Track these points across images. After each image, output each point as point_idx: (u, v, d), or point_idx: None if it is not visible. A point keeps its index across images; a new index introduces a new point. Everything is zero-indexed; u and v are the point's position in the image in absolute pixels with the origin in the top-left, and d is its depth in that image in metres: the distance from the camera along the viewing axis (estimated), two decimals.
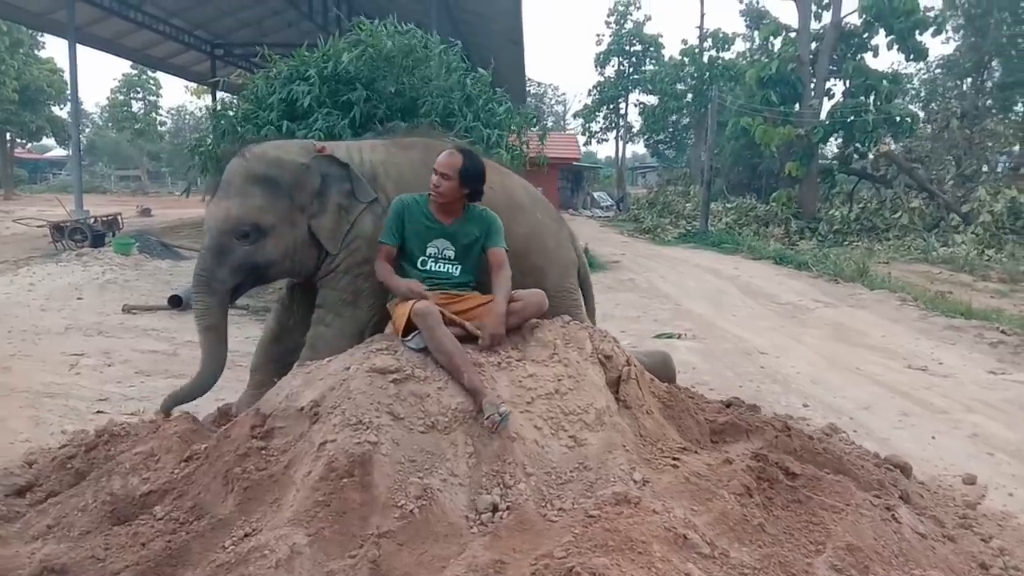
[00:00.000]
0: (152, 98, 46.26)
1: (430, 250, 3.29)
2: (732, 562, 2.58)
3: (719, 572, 2.50)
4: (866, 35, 20.70)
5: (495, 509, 2.69)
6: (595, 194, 38.61)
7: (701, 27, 32.98)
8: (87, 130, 52.59)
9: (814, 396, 5.68)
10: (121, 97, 45.45)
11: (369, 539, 2.48)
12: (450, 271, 3.31)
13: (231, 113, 9.32)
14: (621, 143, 43.18)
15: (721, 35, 31.39)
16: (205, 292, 3.51)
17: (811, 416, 5.11)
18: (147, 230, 16.39)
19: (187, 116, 52.46)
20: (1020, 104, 31.39)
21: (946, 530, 3.30)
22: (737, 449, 3.46)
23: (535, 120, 11.45)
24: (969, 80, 31.88)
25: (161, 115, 49.13)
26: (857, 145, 20.43)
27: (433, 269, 3.30)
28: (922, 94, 30.96)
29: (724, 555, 2.60)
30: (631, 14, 40.55)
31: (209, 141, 9.67)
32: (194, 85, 31.50)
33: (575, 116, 46.11)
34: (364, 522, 2.53)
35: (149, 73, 43.55)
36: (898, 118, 19.73)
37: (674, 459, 3.10)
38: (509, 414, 2.87)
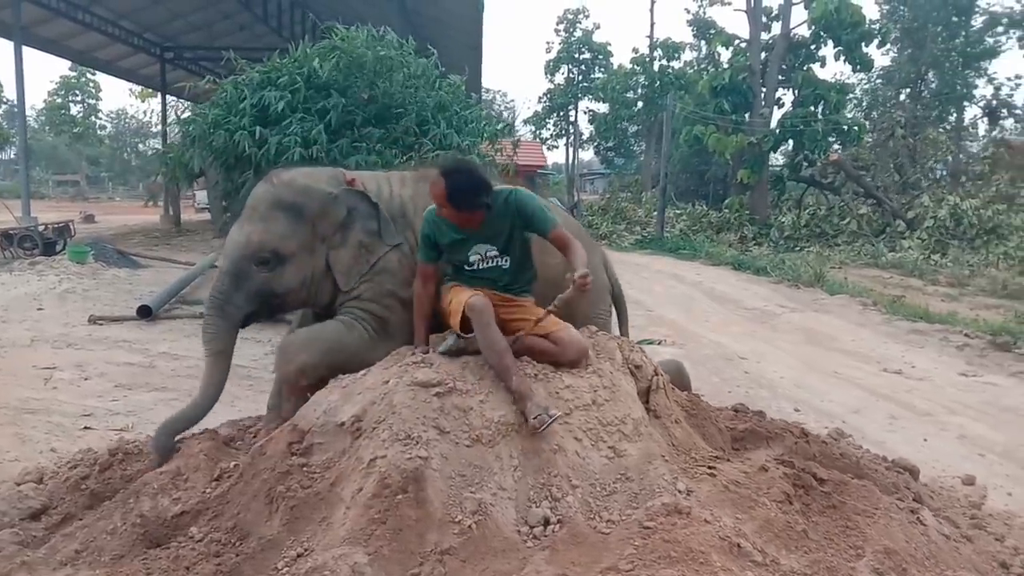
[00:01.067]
0: (92, 101, 45.01)
1: (473, 257, 3.22)
2: (783, 569, 2.62)
3: None
4: (814, 46, 21.27)
5: (546, 522, 2.69)
6: (550, 199, 38.78)
7: (651, 36, 33.47)
8: None
9: (802, 400, 5.81)
10: (59, 100, 44.10)
11: (429, 556, 2.46)
12: (499, 264, 3.23)
13: (199, 119, 9.11)
14: (572, 150, 43.51)
15: (671, 44, 31.87)
16: (219, 316, 3.40)
17: (804, 420, 5.20)
18: (100, 238, 15.91)
19: (128, 120, 51.13)
20: (953, 114, 32.76)
21: (962, 531, 3.42)
22: (759, 456, 3.52)
23: (509, 129, 11.53)
24: (907, 90, 33.06)
25: (101, 119, 47.79)
26: (807, 153, 20.98)
27: (482, 268, 3.23)
28: (864, 104, 31.92)
29: (775, 562, 2.64)
30: (580, 22, 40.94)
31: (178, 148, 9.45)
32: (139, 88, 30.64)
33: (524, 123, 46.34)
34: (421, 539, 2.50)
35: (89, 75, 42.35)
36: (845, 127, 20.33)
37: (709, 468, 3.13)
38: (558, 416, 2.87)
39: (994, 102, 33.07)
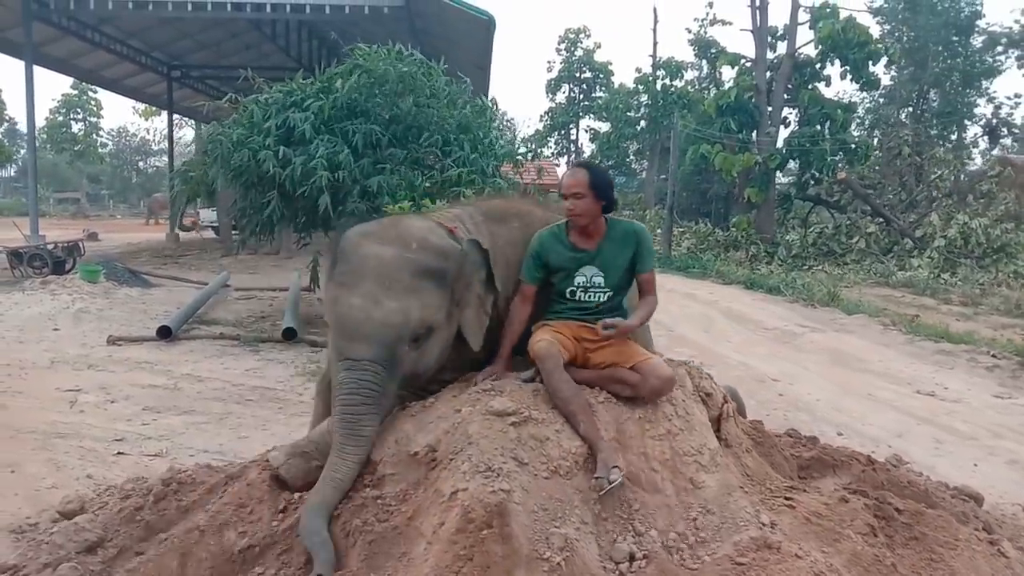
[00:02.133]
0: (93, 119, 44.99)
1: (578, 279, 3.14)
2: None
3: None
4: (819, 65, 21.34)
5: (632, 558, 2.60)
6: None
7: (654, 56, 33.53)
8: (22, 151, 50.75)
9: (844, 424, 5.73)
10: (60, 118, 44.07)
11: None
12: (600, 299, 3.16)
13: (223, 138, 9.05)
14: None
15: (674, 64, 32.01)
16: (375, 413, 2.81)
17: (849, 445, 5.12)
18: (109, 256, 15.83)
19: (129, 137, 51.14)
20: (955, 132, 32.92)
21: None
22: (828, 485, 3.44)
23: (535, 155, 11.56)
24: (909, 109, 33.23)
25: (102, 136, 47.78)
26: (813, 172, 21.01)
27: (583, 299, 3.16)
28: (866, 123, 32.05)
29: None
30: (581, 41, 41.11)
31: (198, 165, 9.40)
32: (142, 106, 30.67)
33: (523, 141, 46.45)
34: None
35: (90, 93, 42.38)
36: (852, 146, 20.38)
37: (787, 499, 3.05)
38: (621, 481, 2.73)
39: (994, 121, 33.29)
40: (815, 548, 2.72)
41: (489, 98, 17.97)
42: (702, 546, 2.71)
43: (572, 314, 3.16)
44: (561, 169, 43.26)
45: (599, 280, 3.16)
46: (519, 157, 10.14)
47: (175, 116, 25.38)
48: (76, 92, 42.89)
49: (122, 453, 4.96)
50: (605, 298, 3.18)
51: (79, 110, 44.39)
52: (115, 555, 3.05)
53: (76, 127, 45.11)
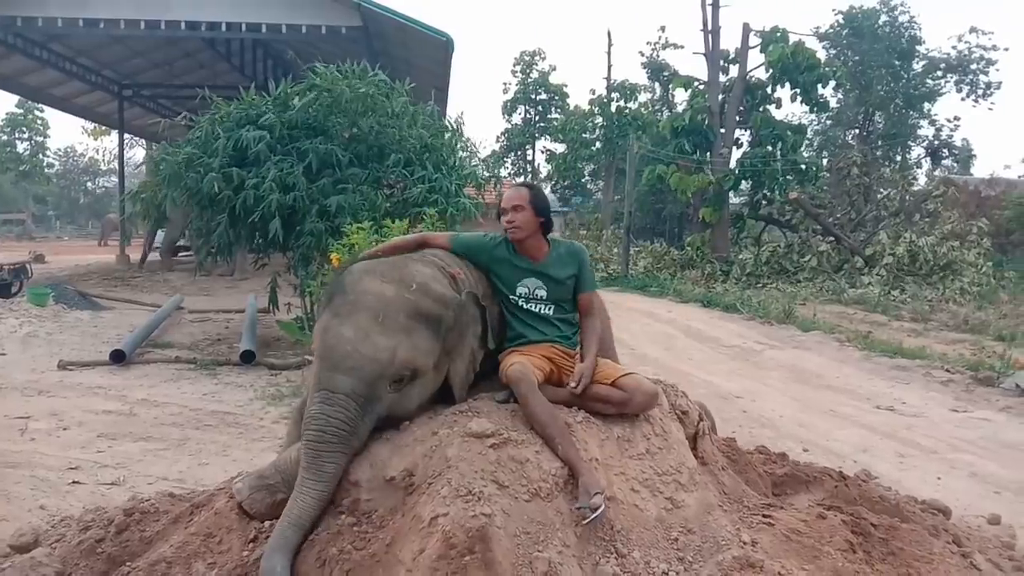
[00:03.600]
0: (39, 138, 43.86)
1: (520, 290, 3.17)
2: None
3: None
4: (769, 88, 21.81)
5: None
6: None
7: (608, 78, 34.01)
8: None
9: (808, 440, 5.79)
10: (4, 137, 42.90)
11: None
12: (542, 310, 3.18)
13: (170, 158, 8.88)
14: None
15: (628, 86, 32.48)
16: (343, 451, 2.68)
17: (815, 461, 5.17)
18: (57, 279, 15.39)
19: (77, 157, 49.98)
20: (899, 154, 33.94)
21: (1008, 574, 3.38)
22: (802, 501, 3.46)
23: (497, 182, 11.60)
24: (856, 131, 34.18)
25: (48, 156, 46.58)
26: (765, 192, 21.42)
27: (524, 307, 3.18)
28: (814, 144, 32.86)
29: None
30: (537, 63, 41.45)
31: (151, 186, 9.20)
32: (92, 125, 30.01)
33: (483, 162, 46.53)
34: None
35: (36, 112, 41.37)
36: (803, 166, 20.83)
37: (764, 516, 3.05)
38: (603, 511, 2.67)
39: (936, 142, 34.42)
40: (796, 566, 2.71)
41: (457, 116, 18.00)
42: (685, 567, 2.69)
43: (522, 329, 3.17)
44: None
45: (541, 293, 3.19)
46: (481, 181, 10.15)
47: (126, 136, 24.87)
48: (21, 111, 41.82)
49: (77, 482, 4.78)
50: (550, 311, 3.20)
51: (24, 129, 43.26)
52: None
53: (21, 147, 43.94)
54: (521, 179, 42.19)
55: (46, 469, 4.98)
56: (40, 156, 45.13)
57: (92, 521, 3.31)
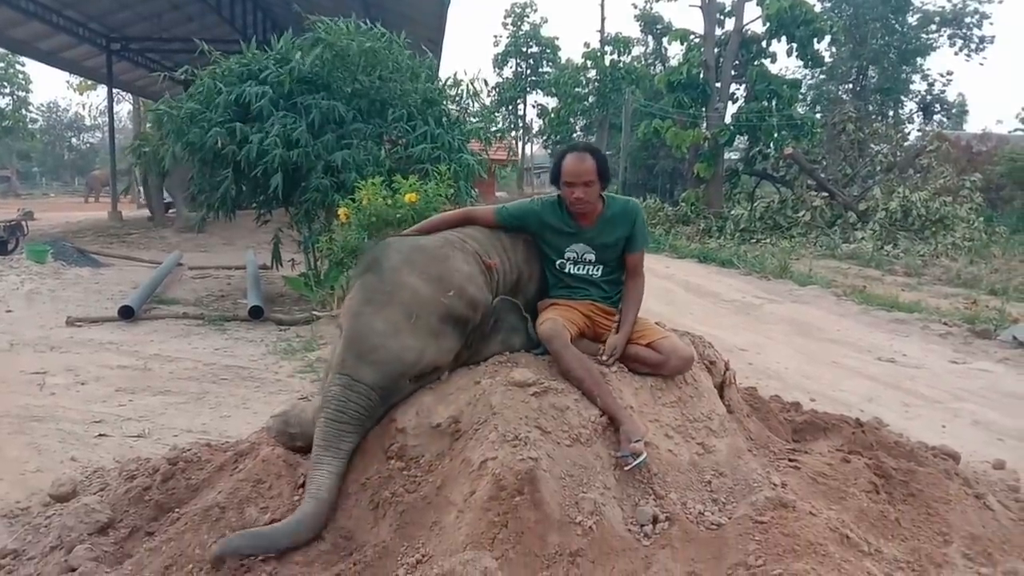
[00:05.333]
0: (22, 94, 42.96)
1: (568, 254, 3.18)
2: (887, 557, 2.68)
3: (883, 568, 2.59)
4: (765, 42, 21.66)
5: (655, 520, 2.68)
6: (497, 194, 38.81)
7: (602, 31, 33.67)
8: None
9: (815, 391, 5.92)
10: None
11: (556, 559, 2.43)
12: (591, 273, 3.20)
13: (173, 113, 8.81)
14: (522, 144, 43.53)
15: (622, 39, 32.15)
16: (357, 432, 2.78)
17: (823, 410, 5.31)
18: (53, 236, 15.31)
19: (61, 113, 49.19)
20: (892, 109, 33.91)
21: (1016, 514, 3.53)
22: (821, 447, 3.58)
23: (501, 134, 11.55)
24: (849, 86, 34.06)
25: (32, 112, 45.78)
26: (761, 147, 21.41)
27: (572, 272, 3.19)
28: (808, 99, 32.73)
29: (879, 552, 2.69)
30: (528, 16, 40.92)
31: (153, 140, 9.13)
32: (77, 80, 29.52)
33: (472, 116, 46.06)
34: (543, 541, 2.47)
35: (18, 66, 40.52)
36: (798, 122, 20.80)
37: (791, 460, 3.17)
38: (645, 457, 2.79)
39: (928, 97, 34.37)
40: (824, 506, 2.84)
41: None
42: (719, 507, 2.81)
43: (563, 290, 3.21)
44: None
45: (590, 256, 3.19)
46: (487, 136, 10.13)
47: (114, 91, 24.50)
48: (2, 65, 40.91)
49: (104, 435, 4.85)
50: (599, 273, 3.22)
51: (6, 84, 42.33)
52: (127, 535, 3.02)
53: (3, 102, 43.04)
54: (514, 135, 41.88)
55: (71, 423, 5.05)
56: (23, 112, 44.28)
57: (136, 470, 3.40)
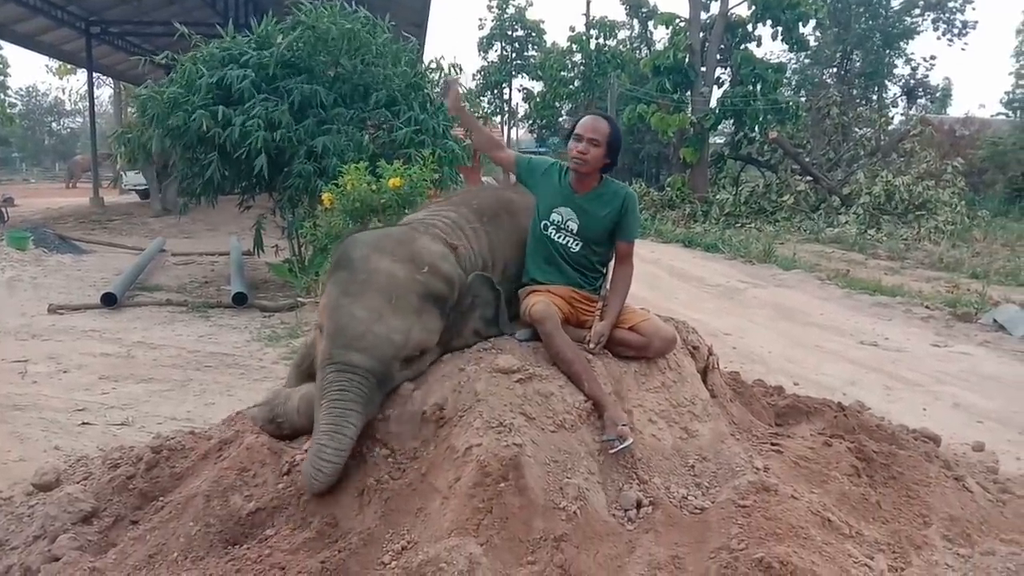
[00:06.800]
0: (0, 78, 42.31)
1: (554, 216, 3.16)
2: (868, 540, 2.72)
3: (863, 551, 2.62)
4: (750, 26, 21.64)
5: (639, 505, 2.70)
6: (484, 179, 38.67)
7: (587, 15, 33.50)
8: None
9: (798, 375, 5.97)
10: None
11: (540, 544, 2.44)
12: (569, 244, 3.17)
13: (156, 97, 8.71)
14: (507, 128, 43.35)
15: (608, 23, 32.02)
16: (360, 415, 2.69)
17: (806, 394, 5.36)
18: (33, 223, 15.15)
19: (40, 97, 48.52)
20: (876, 93, 34.03)
21: (995, 495, 3.58)
22: (803, 430, 3.61)
23: (487, 119, 11.49)
24: (833, 70, 34.13)
25: (10, 96, 45.04)
26: (746, 131, 21.43)
27: (552, 237, 3.17)
28: (792, 83, 32.76)
29: (860, 534, 2.72)
30: None
31: (137, 127, 9.05)
32: (56, 64, 29.10)
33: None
34: (527, 527, 2.48)
35: None
36: (783, 106, 20.83)
37: (773, 444, 3.20)
38: (630, 442, 2.81)
39: (911, 81, 34.50)
40: (806, 489, 2.87)
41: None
42: (703, 491, 2.83)
43: (539, 272, 3.20)
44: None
45: (572, 225, 3.16)
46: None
47: (94, 75, 24.18)
48: None
49: (87, 423, 4.84)
50: (577, 248, 3.17)
51: None
52: (111, 524, 3.01)
53: None
54: (500, 119, 41.74)
55: (53, 411, 5.02)
56: (1, 96, 43.62)
57: (120, 459, 3.39)
